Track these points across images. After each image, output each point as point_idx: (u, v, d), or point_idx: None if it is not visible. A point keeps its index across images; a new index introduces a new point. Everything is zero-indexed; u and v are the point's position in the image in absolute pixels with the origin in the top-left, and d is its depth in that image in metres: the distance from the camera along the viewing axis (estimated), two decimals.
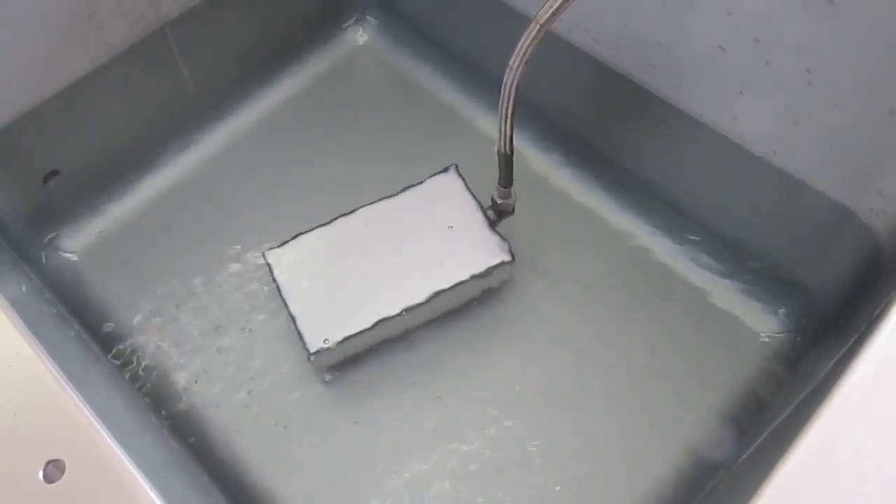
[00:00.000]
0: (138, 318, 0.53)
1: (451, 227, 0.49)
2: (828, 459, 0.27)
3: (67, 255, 0.56)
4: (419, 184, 0.52)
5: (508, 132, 0.42)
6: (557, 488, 0.46)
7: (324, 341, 0.46)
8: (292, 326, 0.47)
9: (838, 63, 0.39)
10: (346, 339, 0.46)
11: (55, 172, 0.54)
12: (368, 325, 0.47)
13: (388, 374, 0.50)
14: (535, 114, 0.59)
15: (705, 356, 0.50)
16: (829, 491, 0.26)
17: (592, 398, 0.49)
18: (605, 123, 0.56)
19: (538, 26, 0.36)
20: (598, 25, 0.49)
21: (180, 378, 0.51)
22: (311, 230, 0.50)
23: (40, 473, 0.29)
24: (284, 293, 0.48)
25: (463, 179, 0.51)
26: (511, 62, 0.38)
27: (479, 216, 0.50)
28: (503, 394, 0.49)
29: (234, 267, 0.55)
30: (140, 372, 0.51)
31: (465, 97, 0.62)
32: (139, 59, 0.54)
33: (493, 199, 0.49)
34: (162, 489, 0.29)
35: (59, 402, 0.31)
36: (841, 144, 0.42)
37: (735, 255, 0.53)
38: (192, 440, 0.48)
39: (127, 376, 0.50)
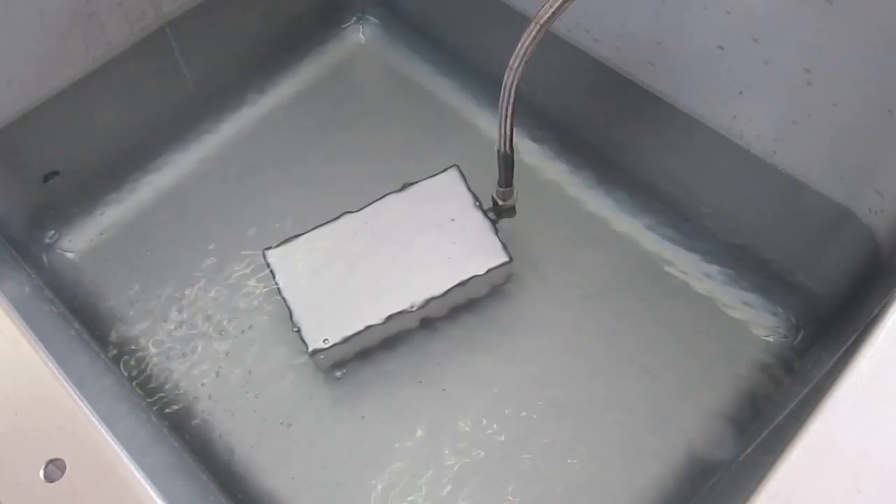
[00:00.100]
0: (138, 317, 0.53)
1: (452, 227, 0.49)
2: (826, 459, 0.27)
3: (68, 254, 0.56)
4: (419, 183, 0.52)
5: (508, 132, 0.42)
6: (559, 487, 0.46)
7: (323, 341, 0.46)
8: (292, 326, 0.47)
9: (838, 62, 0.39)
10: (346, 338, 0.46)
11: (55, 172, 0.54)
12: (368, 324, 0.47)
13: (387, 374, 0.50)
14: (535, 114, 0.59)
15: (704, 355, 0.50)
16: (827, 490, 0.26)
17: (592, 397, 0.49)
18: (605, 123, 0.56)
19: (538, 26, 0.36)
20: (597, 25, 0.49)
21: (180, 377, 0.51)
22: (311, 230, 0.50)
23: (41, 473, 0.29)
24: (284, 292, 0.48)
25: (463, 179, 0.51)
26: (511, 62, 0.38)
27: (480, 216, 0.50)
28: (503, 393, 0.49)
29: (234, 266, 0.55)
30: (140, 371, 0.51)
31: (465, 97, 0.62)
32: (140, 59, 0.54)
33: (493, 200, 0.49)
34: (162, 488, 0.30)
35: (59, 401, 0.31)
36: (840, 144, 0.42)
37: (734, 254, 0.53)
38: (192, 439, 0.48)
39: (127, 375, 0.50)
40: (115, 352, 0.51)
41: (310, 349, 0.46)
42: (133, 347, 0.52)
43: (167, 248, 0.56)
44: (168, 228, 0.57)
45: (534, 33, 0.36)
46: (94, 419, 0.30)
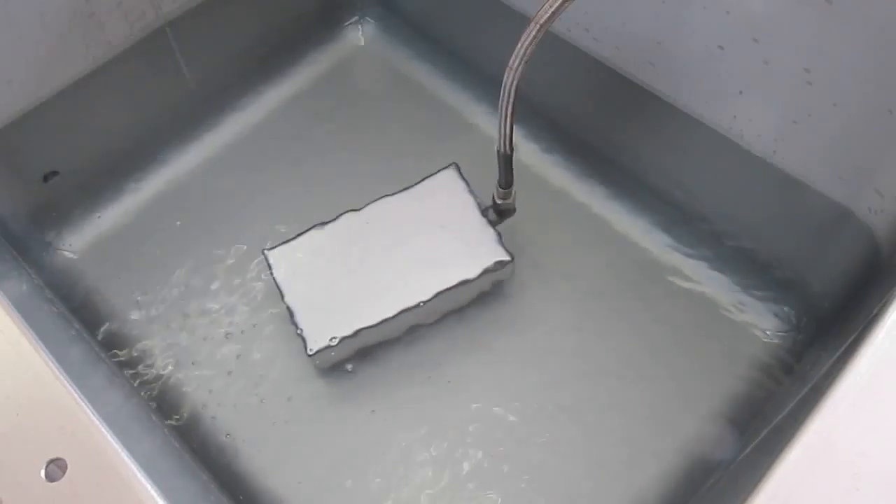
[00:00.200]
0: (138, 317, 0.53)
1: (452, 226, 0.50)
2: (825, 458, 0.27)
3: (68, 254, 0.56)
4: (419, 183, 0.52)
5: (508, 132, 0.42)
6: (559, 487, 0.46)
7: (323, 340, 0.46)
8: (293, 325, 0.47)
9: (837, 62, 0.39)
10: (346, 338, 0.46)
11: (55, 172, 0.54)
12: (368, 324, 0.47)
13: (387, 373, 0.50)
14: (535, 113, 0.59)
15: (704, 355, 0.50)
16: (826, 490, 0.26)
17: (592, 397, 0.49)
18: (604, 123, 0.56)
19: (538, 26, 0.36)
20: (597, 25, 0.50)
21: (181, 376, 0.51)
22: (311, 229, 0.50)
23: (42, 472, 0.29)
24: (284, 292, 0.48)
25: (463, 179, 0.51)
26: (511, 62, 0.38)
27: (479, 216, 0.50)
28: (503, 393, 0.49)
29: (235, 266, 0.55)
30: (140, 370, 0.51)
31: (465, 97, 0.62)
32: (140, 59, 0.54)
33: (493, 199, 0.49)
34: (163, 487, 0.30)
35: (60, 401, 0.31)
36: (840, 144, 0.42)
37: (734, 254, 0.53)
38: (192, 438, 0.48)
39: (127, 375, 0.50)
40: (115, 351, 0.51)
41: (310, 349, 0.46)
42: (133, 347, 0.52)
43: (167, 248, 0.56)
44: (168, 228, 0.57)
45: (533, 33, 0.36)
46: (94, 419, 0.30)
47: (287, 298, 0.48)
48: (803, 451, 0.27)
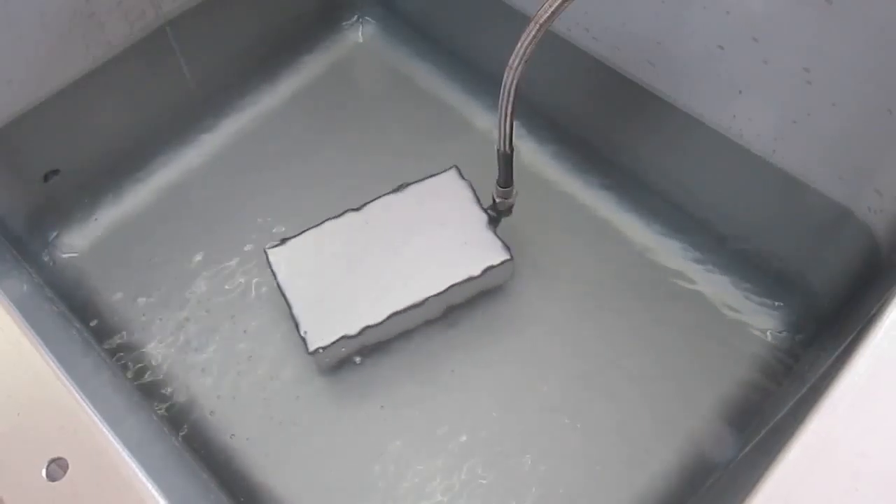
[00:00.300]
0: (139, 316, 0.53)
1: (452, 225, 0.50)
2: (824, 458, 0.27)
3: (68, 254, 0.56)
4: (419, 182, 0.52)
5: (508, 131, 0.42)
6: (559, 487, 0.46)
7: (323, 339, 0.46)
8: (293, 324, 0.47)
9: (837, 62, 0.39)
10: (346, 337, 0.47)
11: (56, 171, 0.54)
12: (368, 323, 0.47)
13: (387, 372, 0.50)
14: (535, 113, 0.59)
15: (703, 354, 0.50)
16: (825, 489, 0.26)
17: (592, 396, 0.49)
18: (604, 122, 0.57)
19: (538, 26, 0.36)
20: (597, 24, 0.50)
21: (181, 375, 0.51)
22: (312, 228, 0.50)
23: (43, 472, 0.29)
24: (285, 291, 0.48)
25: (463, 178, 0.52)
26: (511, 61, 0.38)
27: (480, 215, 0.50)
28: (503, 392, 0.49)
29: (235, 265, 0.55)
30: (141, 369, 0.51)
31: (465, 96, 0.62)
32: (140, 59, 0.54)
33: (493, 199, 0.49)
34: (164, 486, 0.30)
35: (61, 400, 0.31)
36: (839, 143, 0.42)
37: (734, 253, 0.53)
38: (193, 437, 0.48)
39: (128, 375, 0.50)
40: (115, 350, 0.52)
41: (310, 348, 0.46)
42: (134, 346, 0.52)
43: (167, 247, 0.56)
44: (168, 227, 0.57)
45: (533, 33, 0.36)
46: (95, 418, 0.30)
47: (287, 297, 0.48)
48: (802, 451, 0.27)
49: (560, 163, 0.58)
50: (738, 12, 0.41)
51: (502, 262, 0.48)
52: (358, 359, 0.50)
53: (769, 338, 0.50)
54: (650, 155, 0.55)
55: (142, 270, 0.55)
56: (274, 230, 0.56)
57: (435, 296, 0.47)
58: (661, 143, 0.53)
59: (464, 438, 0.48)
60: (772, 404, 0.45)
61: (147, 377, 0.51)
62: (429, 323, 0.51)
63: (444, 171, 0.52)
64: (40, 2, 0.46)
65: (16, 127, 0.50)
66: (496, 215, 0.50)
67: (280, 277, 0.49)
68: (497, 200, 0.49)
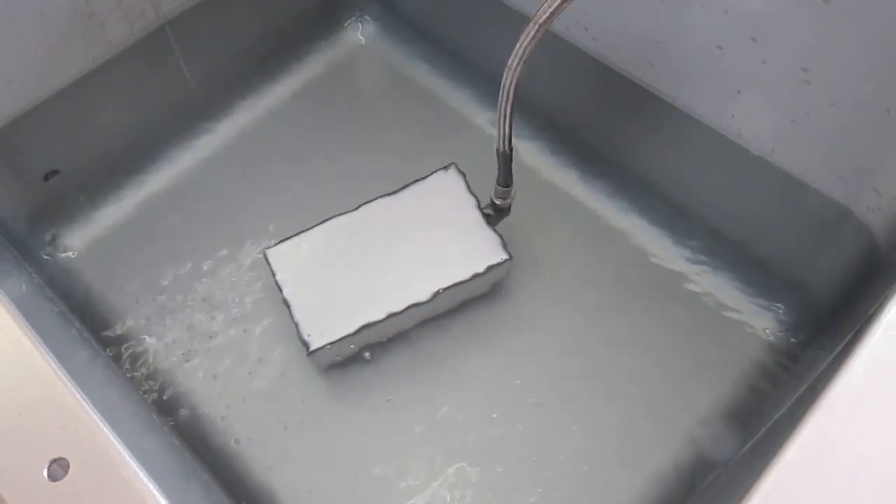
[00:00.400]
0: (139, 316, 0.53)
1: (451, 225, 0.50)
2: (822, 457, 0.27)
3: (68, 253, 0.56)
4: (419, 182, 0.52)
5: (507, 131, 0.42)
6: (559, 487, 0.46)
7: (323, 339, 0.46)
8: (292, 324, 0.47)
9: (835, 62, 0.39)
10: (346, 337, 0.47)
11: (56, 171, 0.54)
12: (368, 323, 0.47)
13: (387, 372, 0.50)
14: (534, 113, 0.59)
15: (703, 354, 0.50)
16: (823, 488, 0.27)
17: (592, 396, 0.49)
18: (604, 122, 0.57)
19: (537, 26, 0.36)
20: (596, 24, 0.50)
21: (182, 375, 0.51)
22: (311, 228, 0.51)
23: (45, 472, 0.29)
24: (284, 291, 0.48)
25: (463, 178, 0.52)
26: (510, 62, 0.38)
27: (479, 215, 0.50)
28: (503, 392, 0.49)
29: (235, 265, 0.55)
30: (141, 369, 0.51)
31: (465, 96, 0.62)
32: (140, 58, 0.54)
33: (492, 199, 0.49)
34: (164, 486, 0.30)
35: (61, 400, 0.31)
36: (838, 143, 0.42)
37: (733, 253, 0.53)
38: (193, 437, 0.48)
39: (128, 374, 0.51)
40: (116, 350, 0.52)
41: (310, 348, 0.46)
42: (134, 346, 0.52)
43: (167, 248, 0.56)
44: (168, 228, 0.57)
45: (532, 33, 0.36)
46: (96, 418, 0.31)
47: (287, 297, 0.48)
48: (800, 451, 0.27)
49: (559, 162, 0.58)
50: (736, 12, 0.41)
51: (502, 262, 0.48)
52: (357, 359, 0.51)
53: (768, 337, 0.50)
54: (650, 155, 0.55)
55: (141, 270, 0.55)
56: (273, 230, 0.56)
57: (434, 296, 0.47)
58: (660, 142, 0.53)
59: (464, 438, 0.48)
60: (770, 404, 0.46)
61: (147, 377, 0.51)
62: (428, 322, 0.51)
63: (443, 168, 0.52)
64: (40, 2, 0.46)
65: (16, 127, 0.50)
66: (495, 215, 0.50)
67: (279, 277, 0.49)
68: (496, 200, 0.49)
